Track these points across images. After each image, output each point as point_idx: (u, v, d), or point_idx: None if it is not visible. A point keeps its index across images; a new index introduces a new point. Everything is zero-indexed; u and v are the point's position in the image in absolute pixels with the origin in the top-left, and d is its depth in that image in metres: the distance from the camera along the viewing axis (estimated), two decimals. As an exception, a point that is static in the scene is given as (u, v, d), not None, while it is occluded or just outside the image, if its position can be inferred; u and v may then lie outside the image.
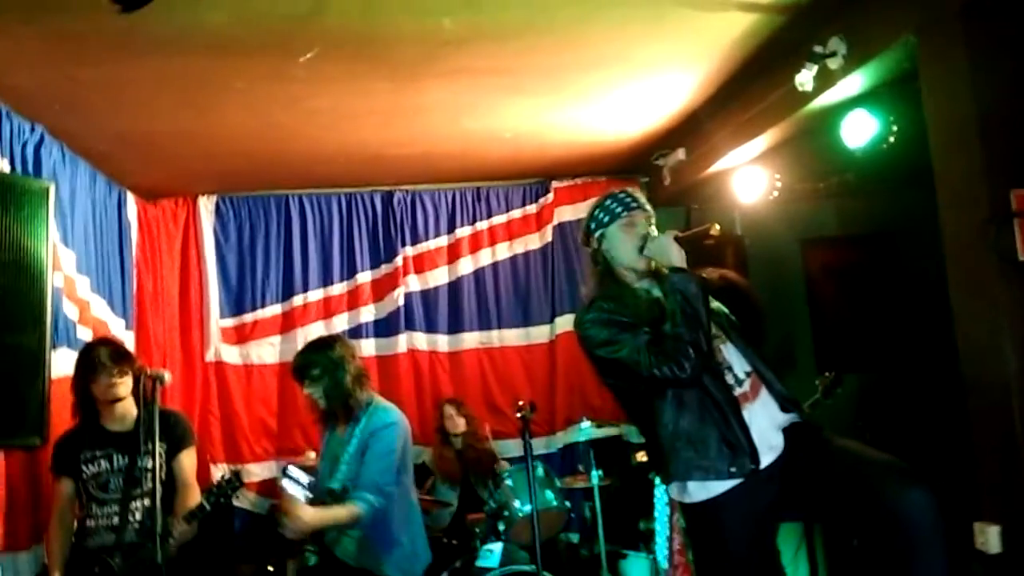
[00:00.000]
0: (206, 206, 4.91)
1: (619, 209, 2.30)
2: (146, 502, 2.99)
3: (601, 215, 2.33)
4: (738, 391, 2.14)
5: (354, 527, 3.07)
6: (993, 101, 2.43)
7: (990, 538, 2.34)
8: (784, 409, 2.14)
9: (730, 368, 2.16)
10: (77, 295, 3.74)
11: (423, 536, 3.31)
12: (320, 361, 3.13)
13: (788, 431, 2.13)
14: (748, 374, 2.17)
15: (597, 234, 2.32)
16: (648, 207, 2.34)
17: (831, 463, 2.03)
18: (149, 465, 2.98)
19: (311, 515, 2.95)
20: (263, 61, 3.15)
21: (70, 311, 3.64)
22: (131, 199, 4.54)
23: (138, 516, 3.02)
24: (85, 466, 3.07)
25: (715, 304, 2.26)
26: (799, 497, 2.09)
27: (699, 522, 2.18)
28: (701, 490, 2.10)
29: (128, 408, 3.10)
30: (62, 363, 3.41)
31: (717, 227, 2.18)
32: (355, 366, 3.19)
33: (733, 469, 2.05)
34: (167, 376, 2.77)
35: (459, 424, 4.54)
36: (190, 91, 3.44)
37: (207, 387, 4.78)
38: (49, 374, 3.29)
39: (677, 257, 2.14)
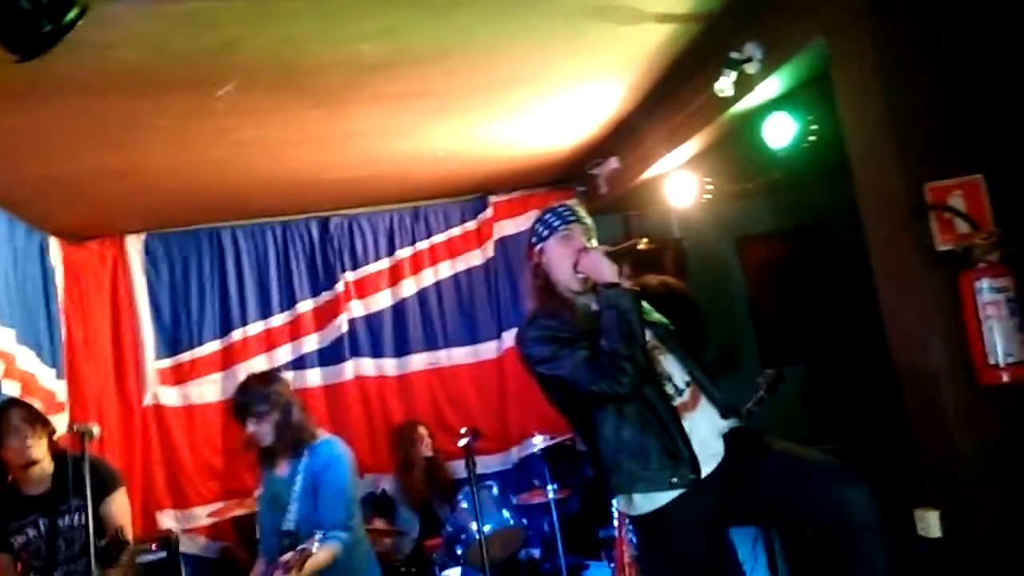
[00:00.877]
0: (134, 245, 4.78)
1: (556, 223, 2.30)
2: (83, 562, 2.81)
3: (541, 229, 2.33)
4: (678, 401, 2.16)
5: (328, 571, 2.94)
6: (903, 97, 2.50)
7: (930, 523, 2.39)
8: (724, 416, 2.17)
9: (670, 378, 2.18)
10: (1, 349, 3.59)
11: (378, 570, 3.24)
12: (265, 396, 3.01)
13: (728, 437, 2.15)
14: (688, 384, 2.19)
15: (537, 248, 2.32)
16: (586, 220, 2.34)
17: (772, 467, 2.07)
18: (72, 522, 2.88)
19: (308, 568, 2.78)
20: (181, 97, 3.08)
21: (-6, 366, 3.50)
22: (54, 243, 4.39)
23: None
24: (13, 538, 2.93)
25: (655, 315, 2.29)
26: (744, 502, 2.12)
27: (647, 533, 2.19)
28: (646, 502, 2.11)
29: (45, 469, 2.95)
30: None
31: (645, 240, 2.20)
32: (298, 399, 3.12)
33: (674, 480, 2.06)
34: (96, 430, 2.66)
35: (429, 445, 4.51)
36: (109, 131, 3.34)
37: (147, 432, 4.64)
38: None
39: (609, 272, 2.15)
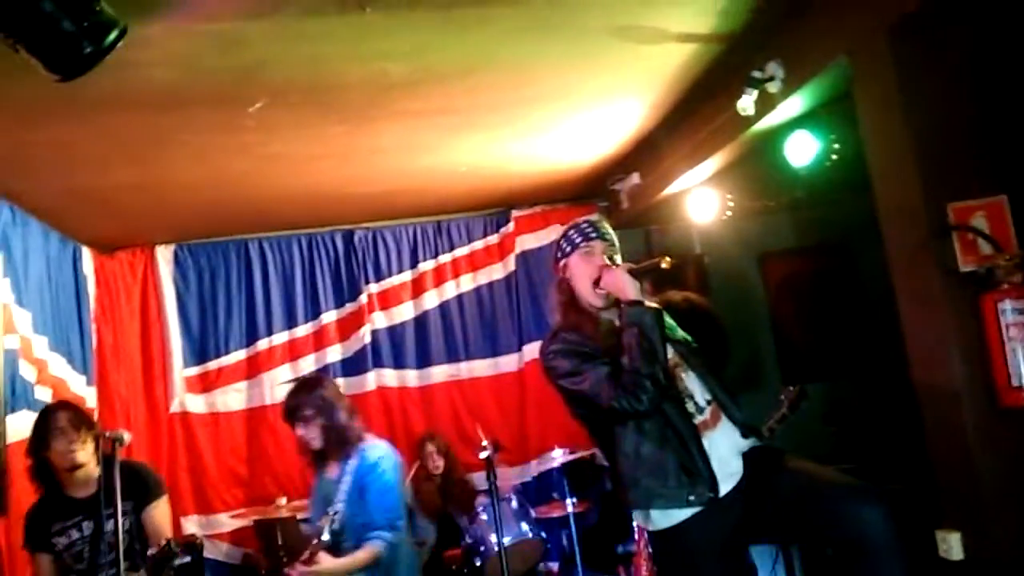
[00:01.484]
0: (164, 256, 4.88)
1: (578, 239, 2.32)
2: (125, 566, 2.88)
3: (564, 244, 2.35)
4: (699, 419, 2.17)
5: (371, 570, 2.97)
6: (925, 118, 2.50)
7: (952, 545, 2.38)
8: (744, 435, 2.18)
9: (691, 396, 2.19)
10: (34, 355, 3.68)
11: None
12: (311, 400, 3.08)
13: (748, 456, 2.16)
14: (709, 402, 2.20)
15: (561, 263, 2.34)
16: (609, 236, 2.35)
17: (789, 486, 2.06)
18: (111, 528, 2.88)
19: (331, 563, 2.87)
20: (211, 113, 3.16)
21: (27, 372, 3.58)
22: (86, 253, 4.49)
23: None
24: (56, 539, 2.95)
25: (679, 332, 2.29)
26: (762, 520, 2.12)
27: (665, 549, 2.20)
28: (664, 518, 2.13)
29: (91, 472, 2.98)
30: (20, 426, 3.35)
31: (668, 259, 2.22)
32: (346, 402, 3.17)
33: (692, 498, 2.07)
34: (126, 436, 2.70)
35: (439, 464, 4.53)
36: (140, 146, 3.43)
37: (173, 439, 4.72)
38: (4, 440, 3.22)
39: (632, 290, 2.16)
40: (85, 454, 2.93)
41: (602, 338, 2.20)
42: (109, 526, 2.90)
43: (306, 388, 3.16)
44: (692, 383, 2.22)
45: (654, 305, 2.16)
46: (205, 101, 3.03)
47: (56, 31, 1.89)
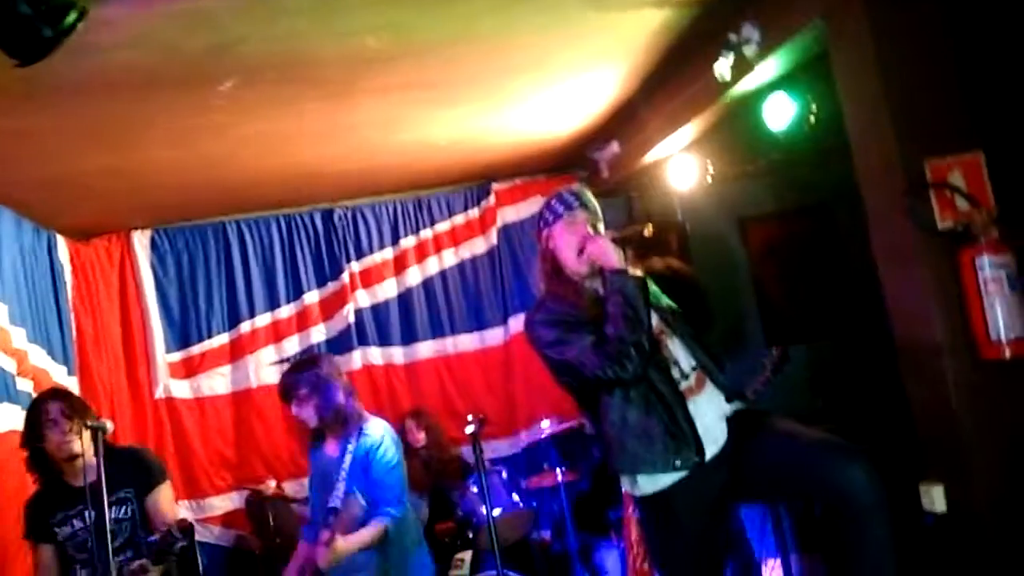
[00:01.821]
0: (141, 241, 4.81)
1: (560, 208, 2.32)
2: (129, 554, 2.85)
3: (547, 214, 2.35)
4: (684, 385, 2.19)
5: (379, 547, 3.01)
6: (901, 76, 2.51)
7: (935, 498, 2.43)
8: (729, 399, 2.20)
9: (676, 363, 2.22)
10: (13, 347, 3.63)
11: (427, 549, 3.30)
12: (306, 380, 3.09)
13: (732, 420, 2.19)
14: (694, 368, 2.22)
15: (544, 233, 2.35)
16: (592, 205, 2.35)
17: (773, 447, 2.10)
18: (117, 515, 2.88)
19: (342, 544, 2.88)
20: (181, 94, 3.09)
21: (6, 364, 3.53)
22: (61, 241, 4.42)
23: (120, 571, 2.80)
24: (58, 529, 2.92)
25: (663, 299, 2.31)
26: (747, 482, 2.15)
27: (651, 513, 2.23)
28: (650, 482, 2.16)
29: (90, 461, 2.85)
30: (3, 419, 3.31)
31: (650, 227, 2.23)
32: (343, 380, 3.17)
33: (678, 462, 2.10)
34: (109, 426, 2.67)
35: (419, 438, 4.54)
36: (110, 131, 3.36)
37: (159, 425, 4.69)
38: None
39: (615, 258, 2.17)
40: (80, 444, 2.87)
41: (587, 307, 2.22)
42: (111, 514, 2.85)
43: (302, 367, 3.17)
44: (677, 350, 2.24)
45: (638, 273, 2.17)
46: (175, 82, 2.97)
47: (12, 14, 1.84)
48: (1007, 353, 2.31)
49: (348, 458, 3.03)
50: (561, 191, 2.38)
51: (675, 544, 2.19)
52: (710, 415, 2.17)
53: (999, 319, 2.31)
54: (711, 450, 2.13)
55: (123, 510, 2.91)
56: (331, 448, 3.13)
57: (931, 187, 2.42)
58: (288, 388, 3.11)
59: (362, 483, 3.01)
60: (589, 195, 2.39)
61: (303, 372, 3.11)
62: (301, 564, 3.14)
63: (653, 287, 2.28)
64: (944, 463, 2.45)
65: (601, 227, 2.33)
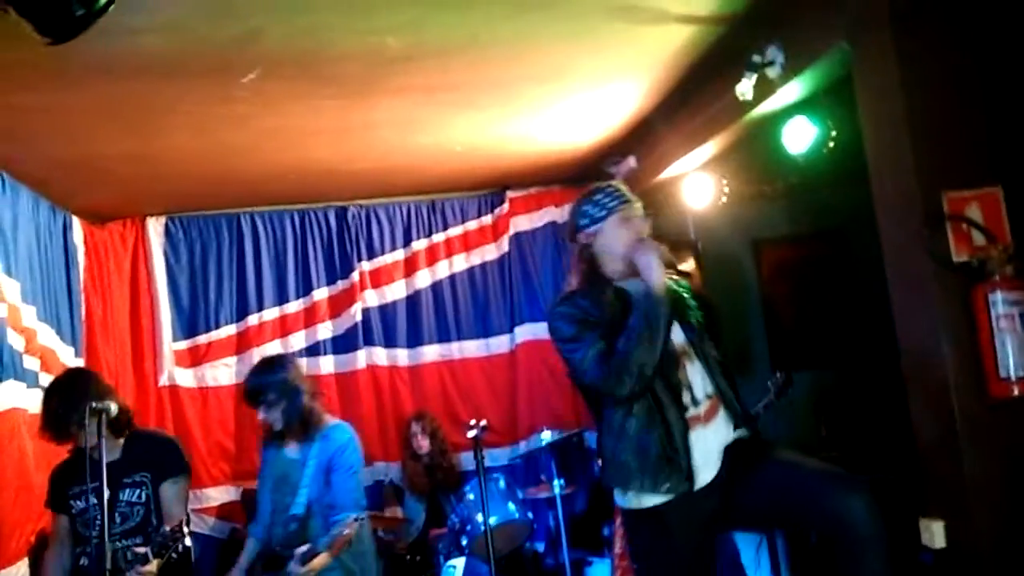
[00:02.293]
0: (155, 228, 4.83)
1: (614, 203, 2.25)
2: (137, 540, 2.84)
3: (594, 210, 2.27)
4: (692, 412, 2.15)
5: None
6: (924, 106, 2.49)
7: (935, 533, 2.39)
8: (737, 427, 2.17)
9: (690, 387, 2.16)
10: (22, 324, 3.65)
11: (373, 550, 3.30)
12: (273, 384, 3.07)
13: (732, 447, 2.15)
14: (708, 396, 2.17)
15: (591, 230, 2.27)
16: (636, 199, 2.32)
17: (770, 476, 2.06)
18: (132, 498, 2.89)
19: (320, 558, 2.86)
20: (205, 83, 3.12)
21: (15, 342, 3.55)
22: (77, 223, 4.45)
23: (120, 556, 2.81)
24: (73, 502, 2.93)
25: (694, 315, 2.25)
26: (745, 510, 2.12)
27: (637, 527, 2.22)
28: (638, 498, 2.14)
29: (116, 439, 2.93)
30: (8, 396, 3.33)
31: (690, 266, 2.23)
32: (308, 384, 3.17)
33: (667, 486, 2.08)
34: (113, 408, 2.69)
35: (424, 444, 4.53)
36: (133, 115, 3.39)
37: (162, 412, 4.70)
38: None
39: (656, 279, 2.10)
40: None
41: (612, 309, 2.16)
42: (124, 495, 2.90)
43: (269, 370, 3.13)
44: (695, 374, 2.18)
45: (672, 292, 2.13)
46: (200, 70, 2.99)
47: (45, -8, 1.86)
48: (1016, 391, 2.28)
49: (312, 463, 3.03)
50: (602, 187, 2.31)
51: (660, 561, 2.17)
52: (711, 447, 2.13)
53: (1009, 357, 2.28)
54: (702, 480, 2.10)
55: (137, 494, 2.92)
56: (292, 450, 3.12)
57: (948, 219, 2.40)
58: (255, 392, 3.08)
59: (323, 488, 3.01)
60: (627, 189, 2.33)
61: (270, 376, 3.08)
62: (251, 562, 3.11)
63: (690, 299, 2.25)
64: (946, 499, 2.42)
65: (646, 228, 2.28)
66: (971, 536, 2.34)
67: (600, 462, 2.27)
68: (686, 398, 2.15)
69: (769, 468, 2.08)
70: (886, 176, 2.59)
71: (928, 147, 2.47)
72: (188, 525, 2.67)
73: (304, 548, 2.84)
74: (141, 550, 2.65)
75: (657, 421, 2.10)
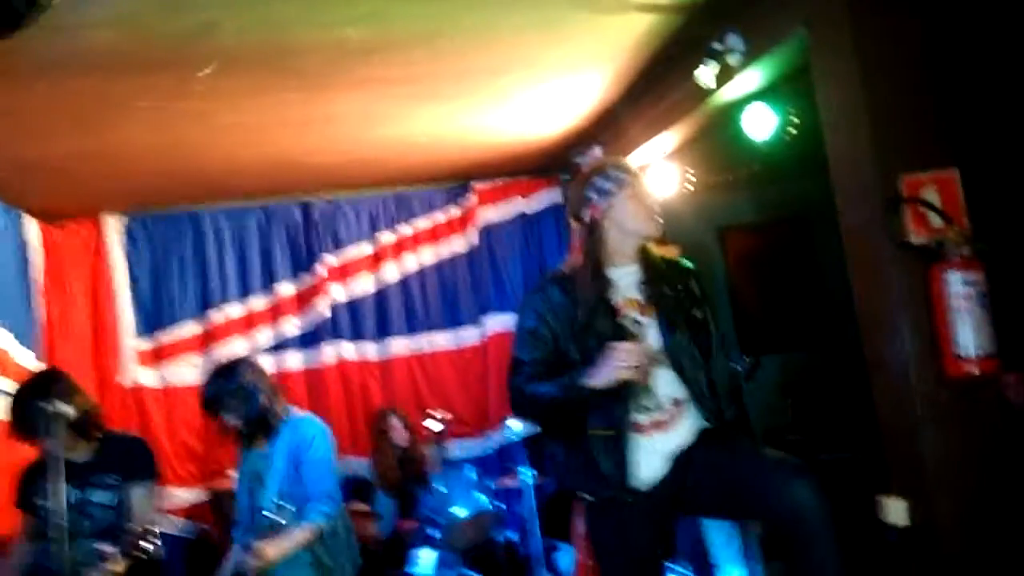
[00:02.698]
0: (114, 226, 4.73)
1: (625, 178, 2.17)
2: (106, 542, 2.76)
3: (606, 184, 2.16)
4: (651, 417, 2.10)
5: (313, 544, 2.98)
6: (881, 90, 2.52)
7: (897, 512, 2.44)
8: (708, 421, 2.13)
9: (652, 393, 2.10)
10: (-24, 328, 3.57)
11: (351, 541, 3.26)
12: (228, 390, 3.04)
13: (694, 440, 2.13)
14: (675, 402, 2.12)
15: (602, 204, 2.15)
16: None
17: (722, 469, 2.04)
18: (104, 500, 2.85)
19: (275, 551, 2.83)
20: (161, 78, 3.06)
21: (-30, 346, 3.47)
22: (32, 224, 4.34)
23: (88, 560, 2.76)
24: (39, 501, 2.86)
25: (698, 312, 2.19)
26: (693, 501, 2.12)
27: (593, 518, 2.22)
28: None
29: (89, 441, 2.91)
30: (-37, 401, 3.25)
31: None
32: (265, 384, 3.12)
33: (598, 492, 2.10)
34: (68, 410, 2.65)
35: (405, 437, 4.51)
36: (87, 112, 3.31)
37: (125, 413, 4.59)
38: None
39: (596, 382, 1.99)
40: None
41: (584, 307, 2.10)
42: (95, 497, 2.87)
43: (222, 378, 3.10)
44: (662, 381, 2.11)
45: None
46: (154, 66, 2.93)
47: (-14, -13, 1.81)
48: (974, 370, 2.33)
49: (278, 455, 3.01)
50: (613, 163, 2.25)
51: (616, 549, 2.17)
52: (661, 454, 2.10)
53: (967, 336, 2.33)
54: (641, 485, 2.08)
55: (108, 496, 2.89)
56: (261, 445, 3.10)
57: (906, 202, 2.44)
58: (211, 400, 3.07)
59: (293, 481, 2.98)
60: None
61: (224, 384, 3.06)
62: (235, 567, 3.09)
63: (696, 289, 2.21)
64: (907, 478, 2.46)
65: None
66: (932, 514, 2.38)
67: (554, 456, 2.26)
68: (648, 402, 2.10)
69: (720, 460, 2.06)
70: (844, 160, 2.63)
71: (885, 131, 2.50)
72: (158, 528, 2.64)
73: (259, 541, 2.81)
74: (109, 549, 2.62)
75: (596, 425, 2.07)
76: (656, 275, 2.19)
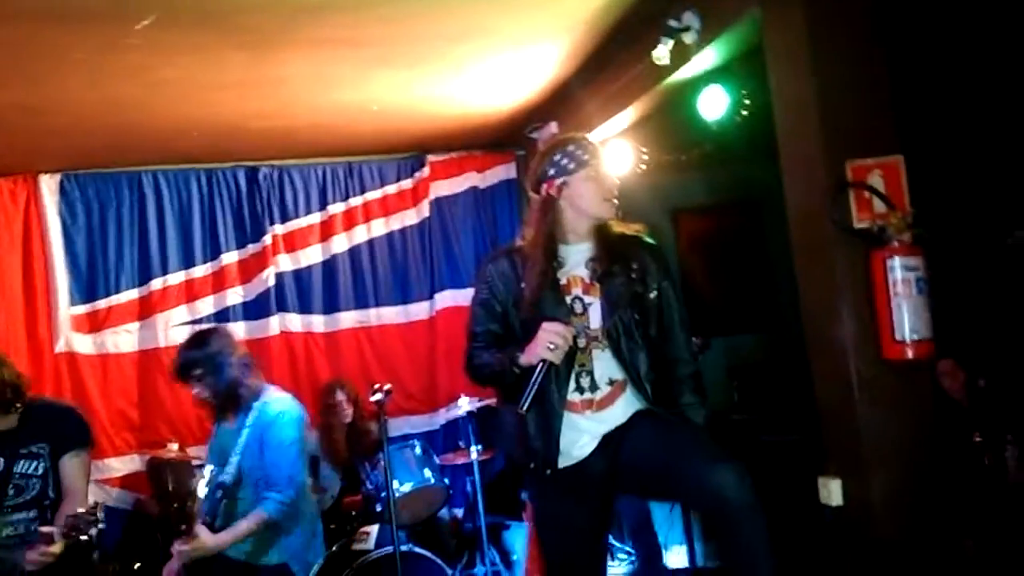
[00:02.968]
0: (49, 184, 4.54)
1: (585, 157, 2.12)
2: (31, 513, 2.72)
3: (564, 160, 2.12)
4: (585, 396, 2.10)
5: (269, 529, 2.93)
6: (832, 73, 2.53)
7: (832, 491, 2.48)
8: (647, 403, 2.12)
9: (590, 373, 2.09)
10: None
11: (318, 529, 3.22)
12: (199, 359, 2.96)
13: (627, 421, 2.12)
14: (611, 383, 2.11)
15: (558, 181, 2.12)
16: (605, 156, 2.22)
17: (653, 452, 2.04)
18: (28, 470, 2.73)
19: (211, 539, 2.77)
20: (97, 29, 2.92)
21: None
22: (-40, 179, 4.15)
23: (14, 530, 2.70)
24: None
25: (650, 297, 2.15)
26: (627, 482, 2.13)
27: (532, 489, 2.26)
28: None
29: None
30: None
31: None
32: (237, 356, 3.03)
33: (532, 465, 2.11)
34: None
35: (348, 412, 4.45)
36: (19, 62, 3.17)
37: (59, 380, 4.46)
38: None
39: (528, 357, 2.00)
40: None
41: (534, 282, 2.07)
42: (19, 467, 2.73)
43: (194, 344, 3.03)
44: (601, 362, 2.10)
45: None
46: (88, 15, 2.80)
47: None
48: (910, 354, 2.37)
49: (245, 432, 2.94)
50: (574, 138, 2.19)
51: (553, 523, 2.19)
52: (592, 432, 2.10)
53: (904, 320, 2.37)
54: (564, 463, 2.09)
55: (33, 466, 2.76)
56: (231, 421, 3.04)
57: (851, 187, 2.45)
58: (181, 367, 2.99)
59: (257, 460, 2.92)
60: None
61: (194, 351, 2.99)
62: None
63: (654, 269, 2.16)
64: (842, 458, 2.50)
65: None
66: (865, 493, 2.43)
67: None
68: (584, 382, 2.09)
69: (650, 443, 2.05)
70: (793, 143, 2.64)
71: (834, 115, 2.51)
72: (100, 511, 2.52)
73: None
74: (47, 529, 2.51)
75: (538, 403, 2.05)
76: (607, 254, 2.15)
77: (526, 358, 2.01)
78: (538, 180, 2.18)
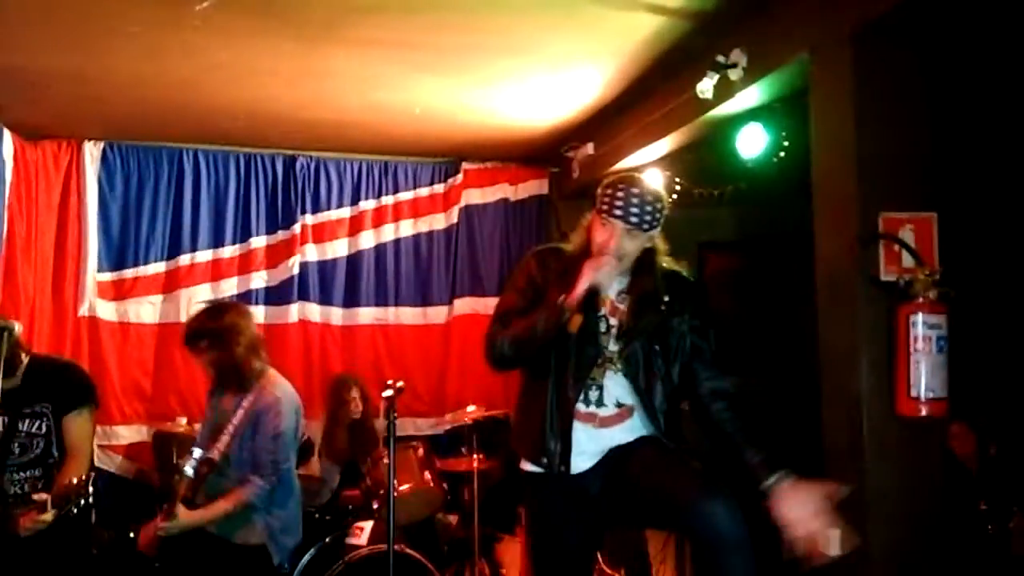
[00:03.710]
0: (92, 152, 4.63)
1: (610, 207, 2.08)
2: (35, 472, 2.73)
3: (604, 196, 2.11)
4: (591, 410, 2.11)
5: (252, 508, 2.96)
6: (874, 125, 2.55)
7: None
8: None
9: (600, 388, 2.11)
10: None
11: (298, 514, 3.24)
12: (209, 330, 2.98)
13: (626, 444, 2.13)
14: (620, 405, 2.12)
15: (595, 209, 2.15)
16: (642, 222, 2.08)
17: (647, 478, 2.04)
18: (32, 429, 2.74)
19: (188, 516, 2.80)
20: (159, 6, 2.99)
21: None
22: (8, 136, 4.24)
23: (20, 489, 2.71)
24: None
25: (681, 330, 2.15)
26: (620, 511, 2.13)
27: (527, 490, 2.24)
28: (525, 462, 2.17)
29: (21, 361, 2.76)
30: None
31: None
32: (248, 335, 3.03)
33: (544, 460, 2.10)
34: (17, 327, 2.55)
35: (359, 410, 4.47)
36: (77, 29, 3.24)
37: (78, 343, 4.53)
38: None
39: (581, 288, 2.01)
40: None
41: (564, 279, 2.09)
42: (23, 426, 2.74)
43: (209, 315, 3.05)
44: (613, 383, 2.11)
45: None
46: (152, -8, 2.87)
47: None
48: (923, 411, 2.36)
49: (240, 414, 2.96)
50: (625, 186, 2.10)
51: (542, 527, 2.21)
52: (598, 446, 2.11)
53: (922, 378, 2.36)
54: (576, 467, 2.09)
55: (37, 424, 2.77)
56: (227, 401, 3.05)
57: (881, 238, 2.46)
58: (189, 336, 3.01)
59: (248, 443, 2.95)
60: (651, 212, 2.11)
61: (207, 322, 3.00)
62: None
63: (674, 321, 2.14)
64: (845, 507, 2.48)
65: (633, 243, 2.11)
66: (865, 546, 2.41)
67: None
68: (593, 395, 2.11)
69: (648, 471, 2.05)
70: (828, 188, 2.65)
71: (872, 166, 2.52)
72: (92, 484, 2.53)
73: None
74: (40, 497, 2.53)
75: (553, 401, 2.09)
76: (641, 283, 2.16)
77: (571, 296, 2.02)
78: (596, 204, 2.18)
